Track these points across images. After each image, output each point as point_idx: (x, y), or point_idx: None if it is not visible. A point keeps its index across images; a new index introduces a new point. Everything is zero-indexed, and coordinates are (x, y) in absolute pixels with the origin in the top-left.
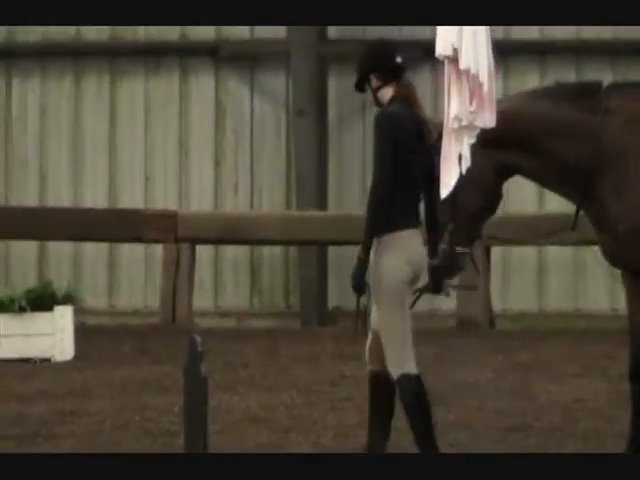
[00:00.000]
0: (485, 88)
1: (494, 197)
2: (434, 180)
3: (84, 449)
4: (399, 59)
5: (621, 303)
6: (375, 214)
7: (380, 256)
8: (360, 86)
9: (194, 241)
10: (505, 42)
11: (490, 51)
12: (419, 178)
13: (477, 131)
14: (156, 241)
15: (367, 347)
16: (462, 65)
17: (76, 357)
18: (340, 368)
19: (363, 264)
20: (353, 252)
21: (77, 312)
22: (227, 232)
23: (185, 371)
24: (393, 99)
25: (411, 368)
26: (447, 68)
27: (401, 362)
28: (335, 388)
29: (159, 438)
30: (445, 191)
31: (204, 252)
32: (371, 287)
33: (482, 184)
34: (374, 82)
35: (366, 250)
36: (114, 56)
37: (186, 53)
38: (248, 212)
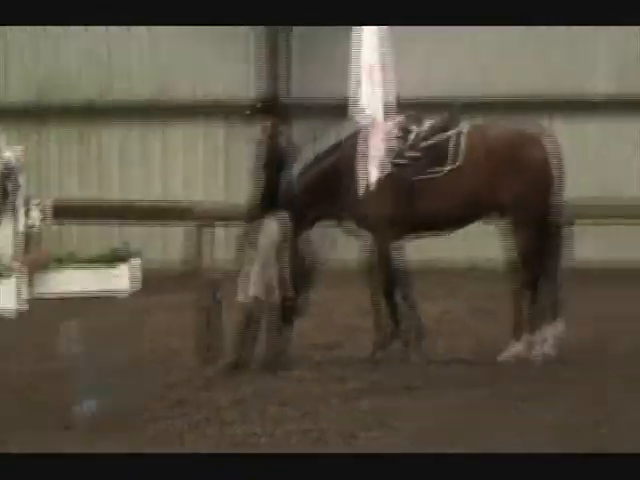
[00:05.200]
0: (377, 126)
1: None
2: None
3: (146, 352)
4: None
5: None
6: (260, 205)
7: (256, 227)
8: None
9: (214, 219)
10: None
11: (385, 98)
12: (287, 182)
13: (384, 154)
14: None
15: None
16: (365, 112)
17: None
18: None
19: (246, 234)
20: None
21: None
22: (235, 216)
23: (207, 296)
24: (280, 136)
25: (249, 298)
26: None
27: (249, 291)
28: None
29: (192, 337)
30: (362, 188)
31: (220, 227)
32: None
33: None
34: (272, 121)
35: (248, 225)
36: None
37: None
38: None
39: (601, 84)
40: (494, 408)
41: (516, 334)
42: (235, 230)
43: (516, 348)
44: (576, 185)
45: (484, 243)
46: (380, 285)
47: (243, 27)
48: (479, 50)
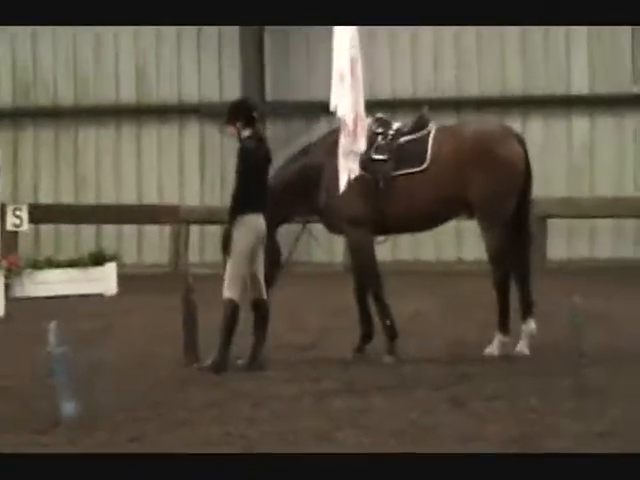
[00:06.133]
0: (351, 128)
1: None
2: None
3: (124, 353)
4: (254, 114)
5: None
6: (235, 207)
7: (237, 229)
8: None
9: (188, 222)
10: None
11: (360, 101)
12: (264, 184)
13: (358, 155)
14: (166, 223)
15: (248, 284)
16: (338, 114)
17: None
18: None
19: (229, 235)
20: None
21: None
22: (211, 217)
23: (182, 298)
24: (249, 137)
25: (236, 296)
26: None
27: (231, 290)
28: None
29: (169, 338)
30: (342, 187)
31: (195, 229)
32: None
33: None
34: (238, 125)
35: (230, 227)
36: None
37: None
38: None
39: (576, 84)
40: (465, 408)
41: (500, 328)
42: (211, 231)
43: (502, 341)
44: (551, 184)
45: (458, 242)
46: (354, 285)
47: (217, 29)
48: (455, 50)
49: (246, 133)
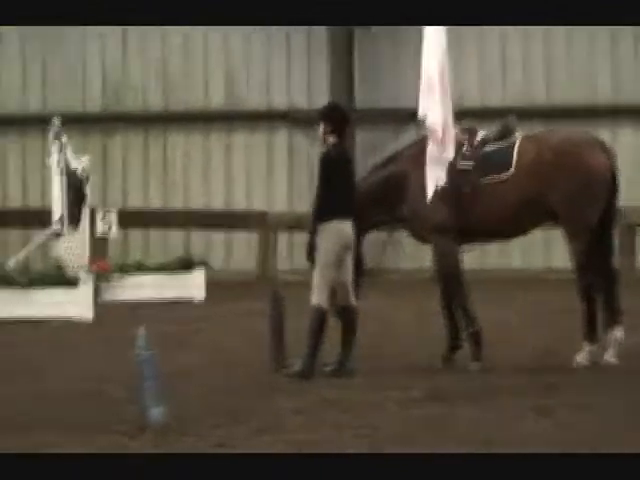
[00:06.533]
0: (440, 136)
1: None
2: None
3: (212, 359)
4: (343, 121)
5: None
6: (317, 214)
7: (321, 236)
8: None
9: (276, 230)
10: None
11: (448, 109)
12: (350, 191)
13: (447, 162)
14: (254, 229)
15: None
16: (427, 122)
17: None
18: None
19: (312, 243)
20: None
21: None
22: (299, 224)
23: (270, 304)
24: (334, 144)
25: (323, 303)
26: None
27: (319, 297)
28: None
29: (256, 344)
30: (429, 196)
31: (283, 235)
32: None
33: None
34: (325, 130)
35: (312, 234)
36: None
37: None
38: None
39: None
40: (552, 417)
41: (587, 337)
42: (299, 238)
43: (589, 350)
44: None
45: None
46: (440, 294)
47: (307, 35)
48: (544, 57)
49: (332, 139)
